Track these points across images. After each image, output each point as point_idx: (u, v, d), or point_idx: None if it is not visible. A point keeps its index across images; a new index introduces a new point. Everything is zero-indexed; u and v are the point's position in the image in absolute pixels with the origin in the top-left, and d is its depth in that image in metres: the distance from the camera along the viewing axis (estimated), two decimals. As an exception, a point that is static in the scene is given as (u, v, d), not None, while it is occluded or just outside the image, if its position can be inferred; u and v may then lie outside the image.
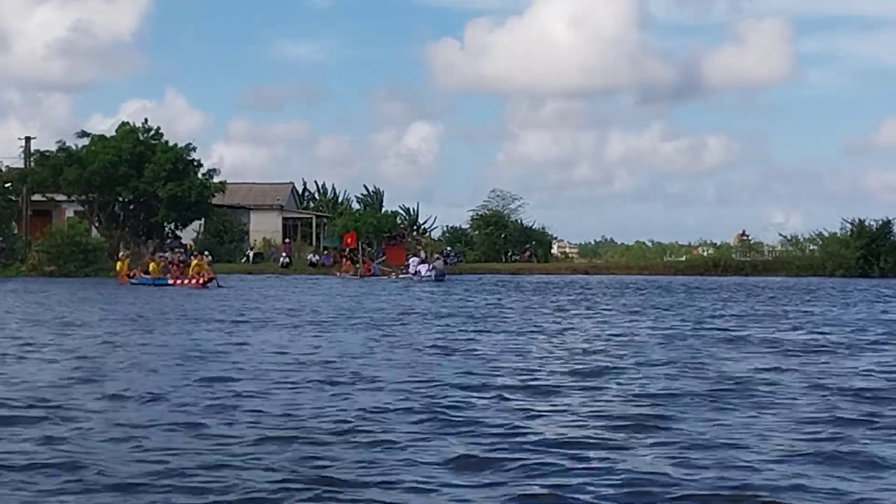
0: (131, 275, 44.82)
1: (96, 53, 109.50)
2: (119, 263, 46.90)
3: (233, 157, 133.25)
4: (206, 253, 50.25)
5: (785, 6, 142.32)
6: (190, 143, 61.80)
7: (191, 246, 62.09)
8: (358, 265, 59.63)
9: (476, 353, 15.35)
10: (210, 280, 42.11)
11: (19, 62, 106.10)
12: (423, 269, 54.66)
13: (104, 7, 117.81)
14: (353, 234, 64.24)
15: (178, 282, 43.15)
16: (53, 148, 60.66)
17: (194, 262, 45.23)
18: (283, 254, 63.81)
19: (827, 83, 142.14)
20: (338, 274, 57.33)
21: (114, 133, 60.81)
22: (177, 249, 59.42)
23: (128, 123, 61.11)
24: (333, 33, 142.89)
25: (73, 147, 60.36)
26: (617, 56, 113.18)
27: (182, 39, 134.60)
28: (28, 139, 62.48)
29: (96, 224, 60.34)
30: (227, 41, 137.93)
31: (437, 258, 57.44)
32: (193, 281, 42.47)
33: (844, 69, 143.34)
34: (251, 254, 64.96)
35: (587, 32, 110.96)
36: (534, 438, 8.49)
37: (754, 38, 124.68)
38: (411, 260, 58.03)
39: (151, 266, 45.32)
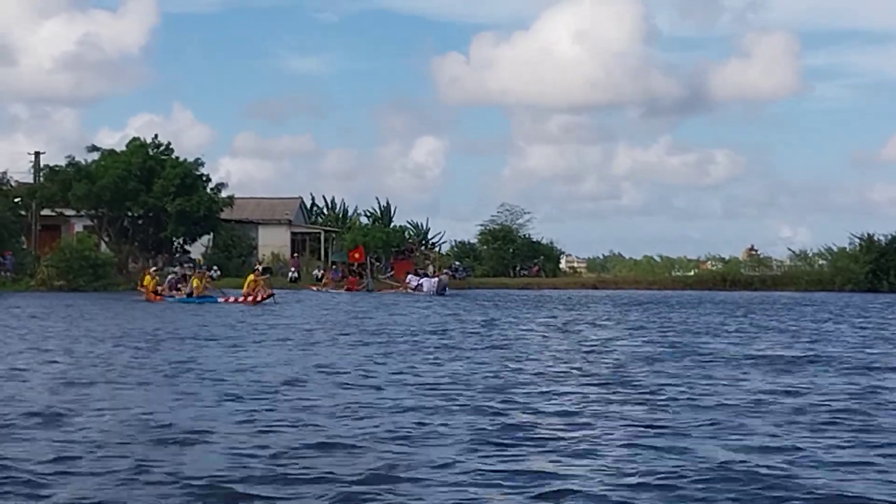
0: (160, 290, 42.07)
1: (103, 67, 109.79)
2: (147, 278, 43.58)
3: (239, 170, 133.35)
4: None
5: (791, 20, 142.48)
6: (199, 159, 61.89)
7: (199, 261, 62.22)
8: (365, 279, 59.62)
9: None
10: (269, 297, 39.52)
11: (26, 76, 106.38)
12: (426, 283, 55.33)
13: (111, 21, 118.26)
14: (360, 249, 64.25)
15: (232, 299, 39.94)
16: (62, 162, 60.87)
17: (250, 277, 41.72)
18: (292, 268, 63.86)
19: (833, 97, 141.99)
20: (313, 288, 57.58)
21: (124, 148, 60.93)
22: (186, 264, 59.60)
23: (138, 138, 61.23)
24: (339, 47, 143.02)
25: (83, 162, 60.46)
26: (622, 70, 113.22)
27: (189, 53, 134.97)
28: (37, 154, 62.69)
29: (105, 239, 60.42)
30: (233, 55, 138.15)
31: (445, 272, 57.97)
32: (250, 298, 39.33)
33: (851, 83, 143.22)
34: (259, 268, 64.80)
35: (592, 47, 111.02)
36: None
37: (760, 51, 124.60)
38: (409, 276, 58.66)
39: (195, 282, 41.62)
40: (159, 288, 42.49)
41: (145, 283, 43.26)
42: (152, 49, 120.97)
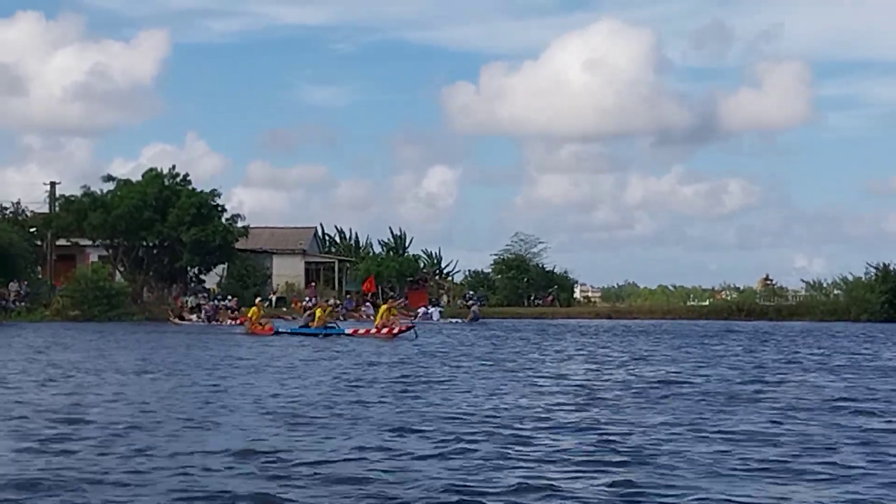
0: (264, 323, 39.06)
1: (116, 97, 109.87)
2: (252, 310, 40.37)
3: (252, 200, 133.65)
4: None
5: (803, 50, 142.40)
6: (215, 190, 62.00)
7: (213, 290, 62.31)
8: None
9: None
10: (409, 328, 36.66)
11: (39, 106, 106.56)
12: (434, 313, 58.95)
13: (124, 52, 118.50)
14: (371, 279, 64.23)
15: (363, 331, 36.80)
16: (77, 192, 61.08)
17: (383, 307, 38.37)
18: (308, 298, 63.78)
19: (846, 127, 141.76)
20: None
21: (139, 178, 61.08)
22: (200, 294, 59.76)
23: (154, 169, 61.39)
24: (353, 78, 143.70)
25: (98, 192, 60.67)
26: (633, 99, 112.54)
27: (202, 84, 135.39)
28: (53, 184, 62.92)
29: (120, 269, 60.49)
30: (247, 85, 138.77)
31: (473, 303, 59.25)
32: (385, 330, 35.90)
33: (864, 113, 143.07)
34: (274, 298, 64.92)
35: (603, 76, 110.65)
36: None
37: (772, 81, 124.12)
38: (366, 304, 61.15)
39: (318, 312, 37.91)
40: (264, 321, 39.30)
41: (250, 314, 40.29)
42: (165, 79, 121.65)
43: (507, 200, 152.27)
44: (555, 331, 44.63)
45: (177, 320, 52.83)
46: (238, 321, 50.94)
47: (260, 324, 38.79)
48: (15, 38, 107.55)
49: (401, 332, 36.14)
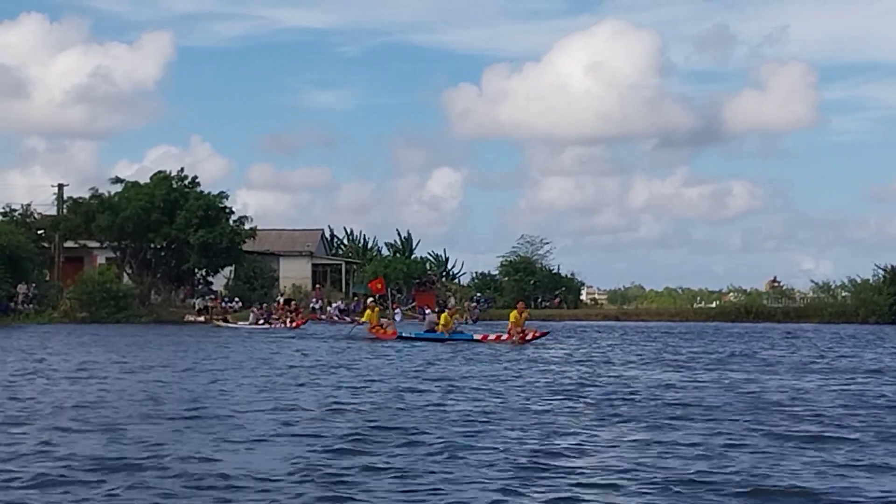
0: (385, 325, 36.97)
1: (120, 100, 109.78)
2: (368, 312, 38.00)
3: (256, 202, 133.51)
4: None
5: (807, 53, 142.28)
6: (223, 192, 61.96)
7: (221, 292, 62.29)
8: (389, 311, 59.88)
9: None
10: (544, 334, 34.51)
11: (42, 109, 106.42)
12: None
13: (127, 54, 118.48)
14: (381, 280, 64.06)
15: (493, 337, 34.58)
16: (85, 194, 61.13)
17: (513, 314, 34.81)
18: (314, 299, 63.83)
19: (850, 130, 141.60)
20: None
21: (147, 180, 61.09)
22: (208, 296, 59.74)
23: (162, 171, 61.37)
24: (356, 81, 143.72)
25: (106, 194, 60.66)
26: (637, 102, 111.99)
27: (206, 86, 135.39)
28: (61, 186, 63.01)
29: (128, 271, 60.49)
30: (252, 88, 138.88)
31: (475, 305, 59.09)
32: (517, 337, 33.48)
33: (868, 116, 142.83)
34: (281, 300, 64.92)
35: (606, 79, 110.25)
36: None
37: (776, 84, 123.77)
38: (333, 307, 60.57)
39: (444, 318, 35.73)
40: (384, 322, 37.23)
41: (366, 317, 38.09)
42: (169, 82, 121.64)
43: (511, 203, 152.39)
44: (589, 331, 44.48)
45: (222, 323, 52.36)
46: (296, 324, 50.45)
47: (381, 326, 36.82)
48: (18, 41, 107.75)
49: (534, 337, 33.87)
